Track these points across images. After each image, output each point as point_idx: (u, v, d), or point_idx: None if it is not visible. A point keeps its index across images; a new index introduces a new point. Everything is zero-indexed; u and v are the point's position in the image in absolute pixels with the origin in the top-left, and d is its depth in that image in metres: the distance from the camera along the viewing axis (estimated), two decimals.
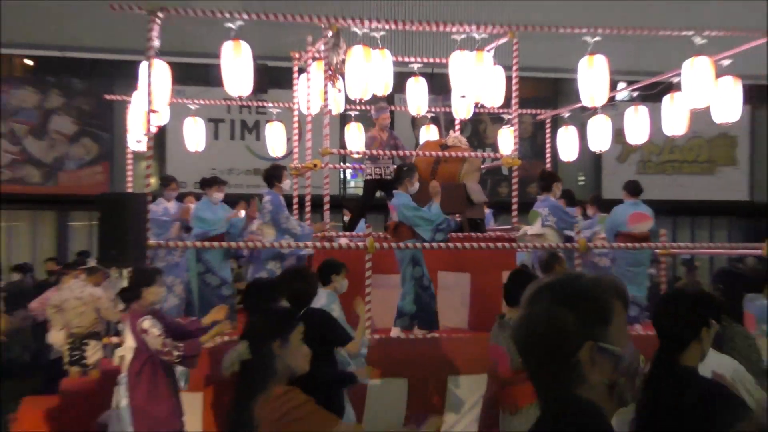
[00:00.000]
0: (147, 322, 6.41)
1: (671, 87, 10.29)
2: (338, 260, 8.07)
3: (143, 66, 8.68)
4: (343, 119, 12.72)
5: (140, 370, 6.55)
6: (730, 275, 8.61)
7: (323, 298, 7.31)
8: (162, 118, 9.93)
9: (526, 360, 2.10)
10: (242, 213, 11.09)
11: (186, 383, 7.81)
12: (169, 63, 9.00)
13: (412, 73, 11.34)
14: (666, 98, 10.54)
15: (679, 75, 9.79)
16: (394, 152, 11.10)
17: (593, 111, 11.25)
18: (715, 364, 5.07)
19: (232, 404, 3.74)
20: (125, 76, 15.29)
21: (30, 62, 21.40)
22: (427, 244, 9.31)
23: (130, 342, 6.61)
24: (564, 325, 1.98)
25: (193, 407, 8.10)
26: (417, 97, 11.47)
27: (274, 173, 10.34)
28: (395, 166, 10.59)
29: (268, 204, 10.01)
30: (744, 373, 5.30)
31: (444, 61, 10.19)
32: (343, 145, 12.57)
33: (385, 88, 9.55)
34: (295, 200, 11.40)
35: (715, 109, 9.80)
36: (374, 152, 11.02)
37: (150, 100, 8.72)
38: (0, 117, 20.67)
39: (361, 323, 7.26)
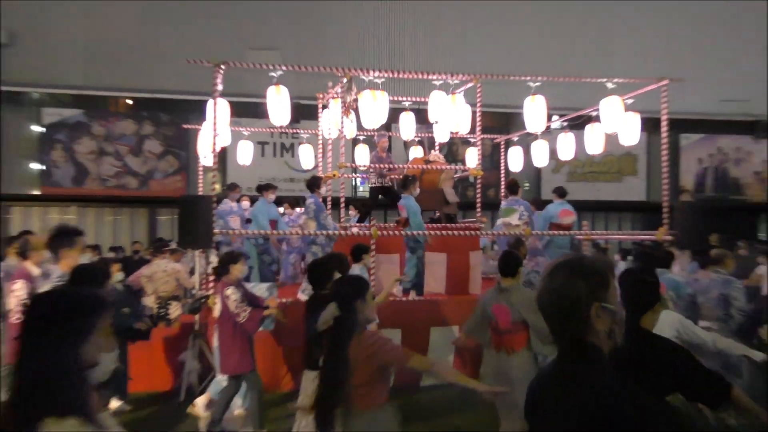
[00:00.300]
0: (230, 290, 6.50)
1: (591, 118, 10.29)
2: (366, 244, 8.36)
3: (210, 103, 8.68)
4: (354, 142, 12.73)
5: (224, 324, 6.61)
6: (646, 255, 8.67)
7: (356, 270, 7.56)
8: (223, 141, 9.95)
9: (549, 318, 2.22)
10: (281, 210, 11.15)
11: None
12: (229, 101, 9.03)
13: (403, 109, 11.37)
14: (588, 127, 10.53)
15: (597, 110, 9.81)
16: (390, 165, 11.14)
17: (535, 136, 11.28)
18: (668, 321, 5.11)
19: (329, 349, 3.73)
20: (197, 110, 15.22)
21: (130, 101, 21.38)
22: (416, 232, 9.37)
23: (218, 304, 6.63)
24: (579, 292, 2.15)
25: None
26: (407, 126, 11.51)
27: (315, 182, 10.37)
28: (402, 177, 10.66)
29: (312, 204, 10.10)
30: (689, 323, 5.35)
31: (426, 99, 10.21)
32: (353, 161, 12.55)
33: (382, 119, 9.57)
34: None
35: (622, 134, 9.88)
36: (377, 166, 11.05)
37: (215, 128, 8.74)
38: (110, 141, 20.76)
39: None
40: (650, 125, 11.31)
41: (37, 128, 20.83)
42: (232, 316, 6.50)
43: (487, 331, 6.05)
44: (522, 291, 5.91)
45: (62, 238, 5.13)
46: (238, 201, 11.76)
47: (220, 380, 6.95)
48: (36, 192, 20.84)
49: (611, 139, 10.28)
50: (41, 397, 1.83)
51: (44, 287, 7.81)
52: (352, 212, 13.45)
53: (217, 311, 6.70)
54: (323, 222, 10.09)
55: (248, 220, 11.05)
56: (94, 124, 20.98)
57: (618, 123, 9.63)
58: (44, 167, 20.74)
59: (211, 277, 8.27)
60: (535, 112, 9.63)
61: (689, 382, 3.22)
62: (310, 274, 6.11)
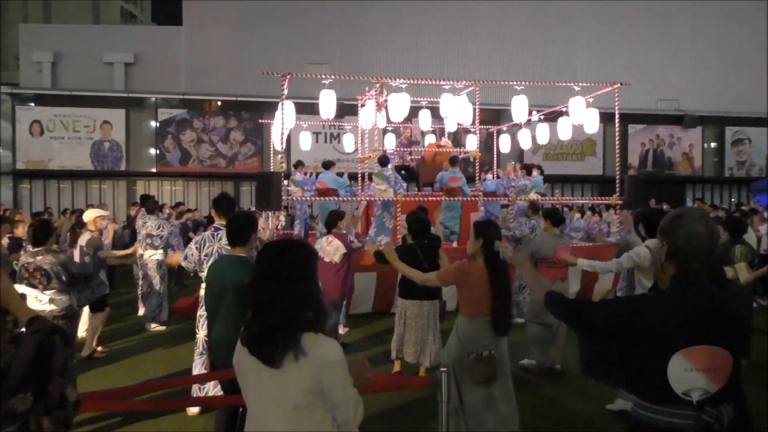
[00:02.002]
0: (332, 236, 6.22)
1: (562, 113, 10.10)
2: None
3: (279, 104, 8.63)
4: (384, 131, 12.61)
5: (346, 259, 6.23)
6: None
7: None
8: (288, 131, 9.88)
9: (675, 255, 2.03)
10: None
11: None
12: (293, 102, 8.95)
13: (421, 107, 11.19)
14: (559, 119, 10.34)
15: (566, 106, 9.62)
16: (410, 149, 11.04)
17: (520, 126, 11.08)
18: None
19: (501, 276, 3.55)
20: (269, 109, 15.22)
21: (219, 103, 21.37)
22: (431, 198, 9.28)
23: (333, 246, 6.21)
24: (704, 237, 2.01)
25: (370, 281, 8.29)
26: (424, 119, 11.33)
27: (385, 159, 9.86)
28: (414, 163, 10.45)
29: (391, 175, 9.58)
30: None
31: (438, 99, 10.05)
32: (383, 146, 12.45)
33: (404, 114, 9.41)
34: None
35: (585, 125, 9.62)
36: (401, 149, 10.94)
37: (282, 122, 8.69)
38: (206, 132, 20.81)
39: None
40: (606, 118, 11.08)
41: (154, 123, 20.96)
42: (349, 252, 6.22)
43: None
44: (566, 237, 6.29)
45: (224, 203, 4.90)
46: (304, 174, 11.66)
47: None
48: (154, 170, 21.05)
49: (576, 129, 10.07)
50: (302, 319, 1.84)
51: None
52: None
53: (331, 253, 6.23)
54: (397, 189, 9.62)
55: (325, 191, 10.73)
56: (195, 120, 21.02)
57: (582, 116, 9.42)
58: (159, 152, 20.90)
59: (280, 231, 8.24)
60: (519, 108, 9.46)
61: None
62: (412, 226, 5.69)
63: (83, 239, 6.31)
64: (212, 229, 4.60)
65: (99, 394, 2.42)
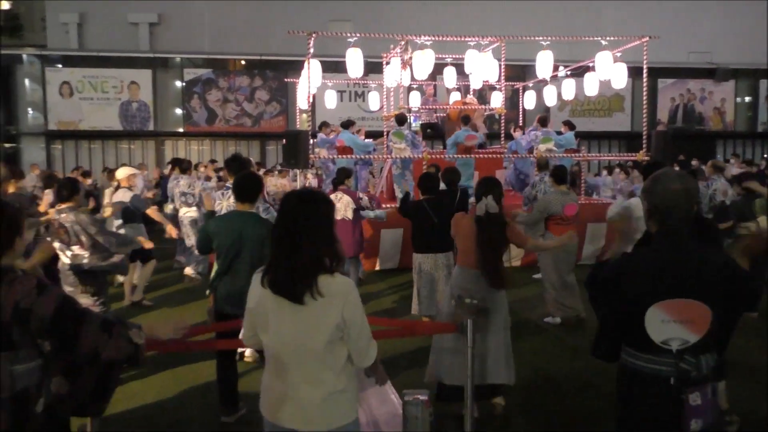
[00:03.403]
0: (341, 193, 6.37)
1: (589, 68, 9.99)
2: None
3: (305, 63, 8.69)
4: (409, 89, 12.61)
5: (357, 216, 6.42)
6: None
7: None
8: (313, 90, 9.93)
9: (681, 207, 2.14)
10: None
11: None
12: (319, 60, 9.00)
13: (446, 64, 11.13)
14: (586, 75, 10.24)
15: (593, 61, 9.51)
16: (435, 107, 11.03)
17: (546, 82, 10.98)
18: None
19: (488, 228, 3.75)
20: (295, 68, 15.26)
21: (243, 62, 21.40)
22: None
23: (343, 202, 6.36)
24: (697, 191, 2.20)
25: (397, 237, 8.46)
26: (449, 77, 11.28)
27: (403, 118, 9.87)
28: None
29: (408, 135, 9.62)
30: None
31: (463, 56, 9.99)
32: (408, 103, 12.47)
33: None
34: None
35: (613, 80, 9.52)
36: (425, 107, 10.93)
37: (308, 81, 8.77)
38: (231, 91, 20.94)
39: None
40: (634, 72, 10.88)
41: (179, 84, 21.12)
42: (357, 208, 6.36)
43: (542, 223, 6.14)
44: (573, 194, 6.42)
45: (235, 163, 5.08)
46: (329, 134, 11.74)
47: None
48: (181, 130, 21.31)
49: (604, 84, 9.97)
50: (322, 262, 2.01)
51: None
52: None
53: (342, 210, 6.35)
54: (417, 148, 9.71)
55: (344, 148, 10.83)
56: (220, 80, 21.12)
57: (609, 71, 9.33)
58: (186, 112, 21.11)
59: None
60: (545, 63, 9.39)
61: None
62: (420, 182, 5.87)
63: (120, 195, 6.57)
64: (224, 188, 4.97)
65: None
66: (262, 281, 2.08)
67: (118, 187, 6.74)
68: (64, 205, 4.51)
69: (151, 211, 7.13)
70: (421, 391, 3.23)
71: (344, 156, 9.92)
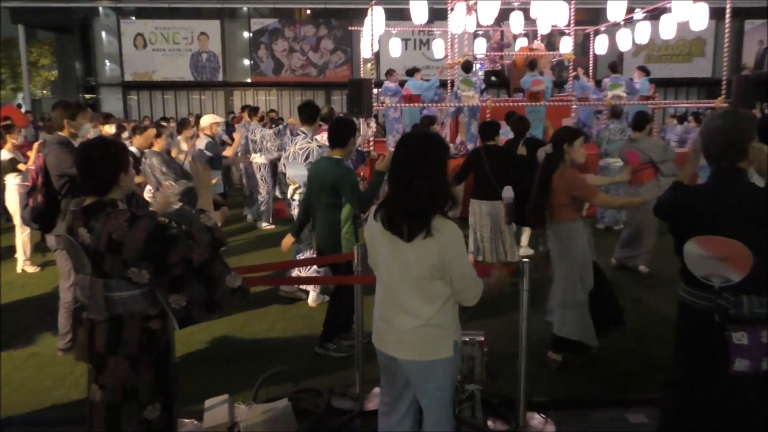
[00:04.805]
0: None
1: (666, 10, 9.45)
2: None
3: (370, 11, 8.61)
4: (474, 36, 12.27)
5: None
6: None
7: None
8: (377, 38, 9.85)
9: (719, 147, 2.16)
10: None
11: None
12: (383, 7, 8.90)
13: (512, 9, 10.75)
14: (663, 16, 9.68)
15: (670, 2, 8.98)
16: (501, 53, 10.73)
17: (619, 25, 10.46)
18: None
19: (540, 174, 3.81)
20: (359, 16, 15.13)
21: (308, 11, 21.37)
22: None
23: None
24: (745, 130, 2.16)
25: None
26: (516, 22, 10.89)
27: (468, 65, 9.66)
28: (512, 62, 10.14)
29: (476, 81, 9.55)
30: None
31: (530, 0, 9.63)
32: (473, 51, 12.16)
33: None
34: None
35: (692, 22, 8.96)
36: (491, 54, 10.66)
37: (372, 29, 8.72)
38: (297, 41, 21.00)
39: None
40: (717, 13, 10.17)
41: (247, 34, 21.36)
42: None
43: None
44: (648, 140, 6.03)
45: (307, 110, 5.15)
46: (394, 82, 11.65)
47: None
48: (249, 80, 21.68)
49: (682, 26, 9.41)
50: (434, 202, 2.09)
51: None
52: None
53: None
54: (484, 95, 9.59)
55: (410, 97, 10.75)
56: (286, 29, 21.24)
57: (688, 12, 8.78)
58: (253, 62, 21.41)
59: (371, 139, 8.47)
60: (617, 5, 8.91)
61: None
62: (480, 129, 5.87)
63: (201, 143, 6.81)
64: (291, 134, 5.15)
65: (244, 269, 2.88)
66: (375, 215, 2.22)
67: (193, 136, 6.96)
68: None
69: (228, 151, 7.30)
70: (477, 333, 3.34)
71: (411, 104, 9.88)
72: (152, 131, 5.26)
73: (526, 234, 6.68)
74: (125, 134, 7.90)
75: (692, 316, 2.18)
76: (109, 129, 5.42)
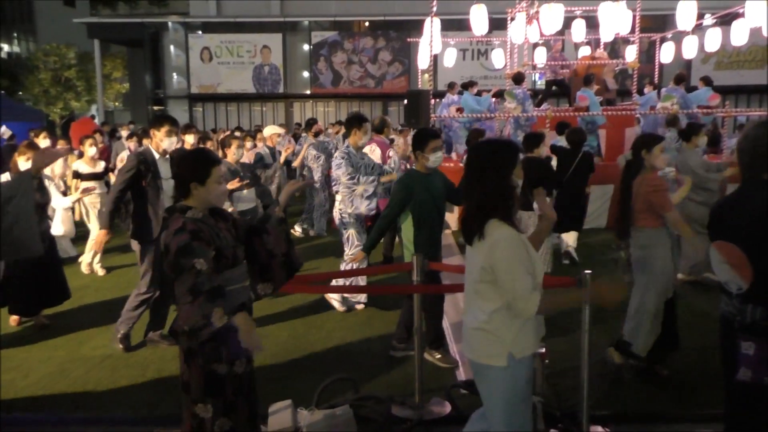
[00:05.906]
0: None
1: (737, 15, 9.12)
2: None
3: (427, 22, 8.67)
4: (534, 45, 12.17)
5: None
6: None
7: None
8: (435, 49, 9.88)
9: (747, 156, 2.13)
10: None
11: None
12: (440, 19, 8.95)
13: (574, 17, 10.60)
14: (734, 22, 9.36)
15: (743, 7, 8.66)
16: (562, 63, 10.60)
17: (686, 32, 10.16)
18: None
19: (622, 179, 3.85)
20: (416, 28, 15.23)
21: (366, 24, 21.67)
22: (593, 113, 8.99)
23: None
24: None
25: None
26: (578, 31, 10.74)
27: (520, 77, 9.61)
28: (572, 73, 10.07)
29: (520, 94, 9.48)
30: None
31: (594, 8, 9.47)
32: (534, 60, 12.06)
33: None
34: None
35: (765, 27, 8.62)
36: (552, 63, 10.55)
37: (430, 40, 8.76)
38: (356, 53, 21.31)
39: None
40: None
41: (307, 47, 21.84)
42: None
43: None
44: (690, 152, 5.80)
45: (356, 121, 5.31)
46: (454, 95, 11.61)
47: None
48: (308, 92, 22.13)
49: (755, 32, 9.05)
50: (489, 206, 2.15)
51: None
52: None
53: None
54: (527, 107, 9.64)
55: (459, 109, 10.88)
56: (345, 42, 21.60)
57: (761, 18, 8.44)
58: (313, 74, 21.85)
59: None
60: (686, 11, 8.67)
61: None
62: (524, 141, 5.85)
63: (249, 155, 7.08)
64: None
65: (300, 278, 3.00)
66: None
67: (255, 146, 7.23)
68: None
69: (296, 161, 7.48)
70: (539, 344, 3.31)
71: (459, 115, 9.88)
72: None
73: (572, 237, 6.72)
74: (209, 144, 8.18)
75: (721, 322, 2.21)
76: (189, 139, 5.64)
